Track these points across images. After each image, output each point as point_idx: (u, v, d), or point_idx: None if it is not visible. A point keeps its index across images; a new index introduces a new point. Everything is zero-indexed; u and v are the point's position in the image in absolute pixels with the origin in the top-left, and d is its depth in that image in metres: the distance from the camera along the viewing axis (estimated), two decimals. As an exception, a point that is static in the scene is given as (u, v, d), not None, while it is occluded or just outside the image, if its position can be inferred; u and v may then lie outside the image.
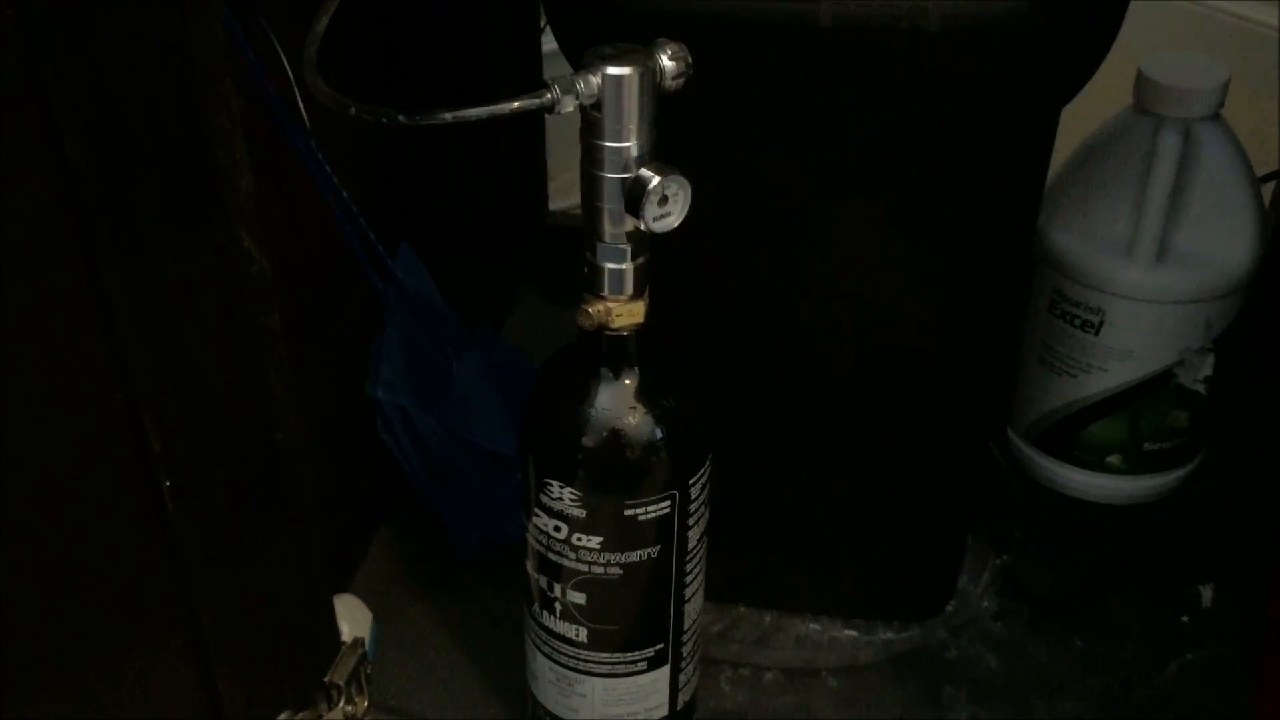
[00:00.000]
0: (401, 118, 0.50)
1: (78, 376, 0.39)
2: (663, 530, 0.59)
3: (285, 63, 0.64)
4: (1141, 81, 0.74)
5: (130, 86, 0.39)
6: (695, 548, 0.61)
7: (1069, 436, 0.82)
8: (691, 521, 0.60)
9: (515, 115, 0.50)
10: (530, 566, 0.62)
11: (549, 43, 0.74)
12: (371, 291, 0.76)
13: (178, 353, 0.43)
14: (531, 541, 0.61)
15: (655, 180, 0.51)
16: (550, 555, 0.60)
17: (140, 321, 0.41)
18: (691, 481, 0.59)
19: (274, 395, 0.50)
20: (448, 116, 0.49)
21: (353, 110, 0.51)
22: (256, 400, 0.49)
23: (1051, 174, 0.72)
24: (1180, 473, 0.83)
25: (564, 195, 1.10)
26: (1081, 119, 0.72)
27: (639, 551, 0.59)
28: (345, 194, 0.71)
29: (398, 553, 0.82)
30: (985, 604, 0.77)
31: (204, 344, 0.45)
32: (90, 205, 0.38)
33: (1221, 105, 0.74)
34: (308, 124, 0.66)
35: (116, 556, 0.43)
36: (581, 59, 0.51)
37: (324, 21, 0.56)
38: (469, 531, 0.80)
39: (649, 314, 0.56)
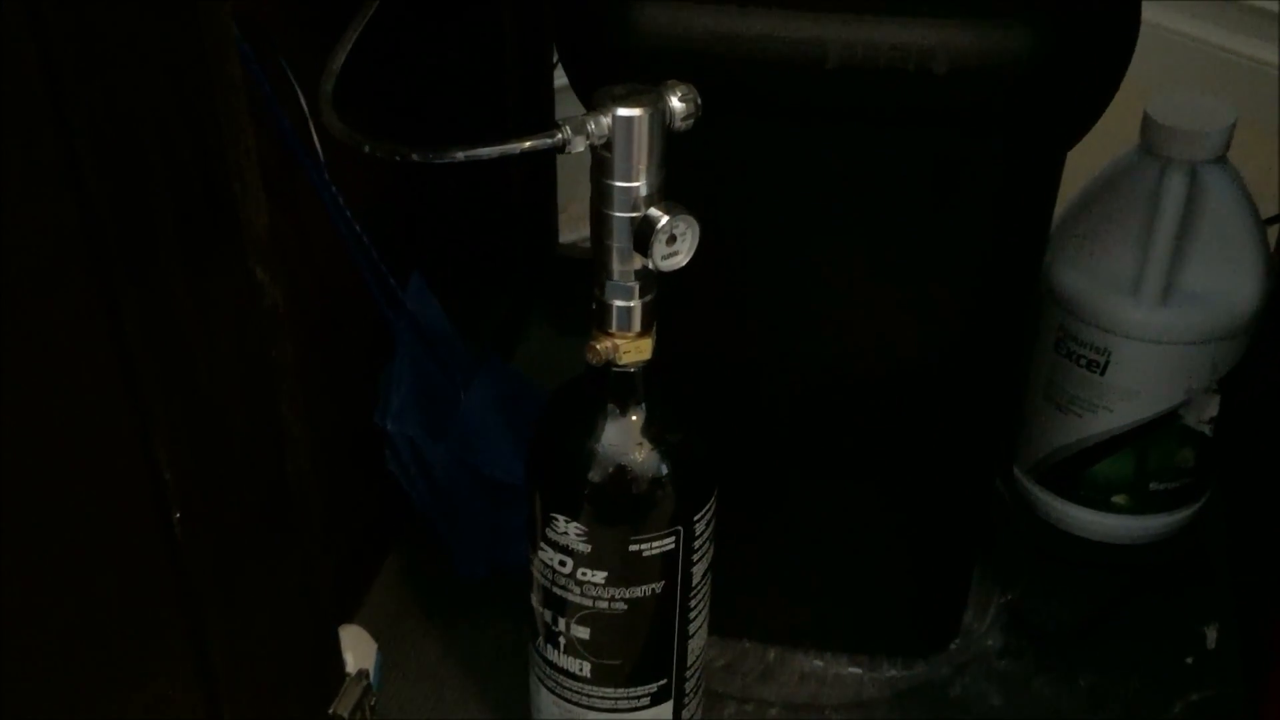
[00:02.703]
0: (415, 155, 0.50)
1: (91, 406, 0.40)
2: (667, 565, 0.59)
3: (301, 97, 0.65)
4: (1148, 123, 0.75)
5: (148, 119, 0.39)
6: (700, 583, 0.61)
7: (1075, 475, 0.82)
8: (696, 557, 0.60)
9: (527, 154, 0.50)
10: (535, 600, 0.62)
11: (560, 79, 0.75)
12: (382, 321, 0.76)
13: (191, 384, 0.44)
14: (536, 575, 0.61)
15: (664, 220, 0.52)
16: (555, 589, 0.60)
17: (154, 352, 0.41)
18: (696, 517, 0.59)
19: (285, 427, 0.50)
20: (460, 155, 0.50)
21: (367, 148, 0.51)
22: (267, 432, 0.49)
23: (1058, 213, 0.72)
24: (1186, 512, 0.83)
25: (574, 227, 1.11)
26: (1088, 159, 0.72)
27: (644, 587, 0.59)
28: (357, 225, 0.71)
29: (404, 583, 0.82)
30: (990, 641, 0.77)
31: (217, 375, 0.45)
32: (107, 237, 0.38)
33: (1228, 147, 0.74)
34: (321, 156, 0.67)
35: (125, 585, 0.43)
36: (592, 99, 0.51)
37: (340, 59, 0.57)
38: (475, 561, 0.80)
39: (656, 350, 0.56)
